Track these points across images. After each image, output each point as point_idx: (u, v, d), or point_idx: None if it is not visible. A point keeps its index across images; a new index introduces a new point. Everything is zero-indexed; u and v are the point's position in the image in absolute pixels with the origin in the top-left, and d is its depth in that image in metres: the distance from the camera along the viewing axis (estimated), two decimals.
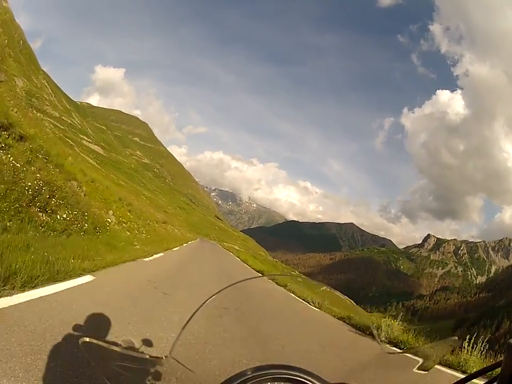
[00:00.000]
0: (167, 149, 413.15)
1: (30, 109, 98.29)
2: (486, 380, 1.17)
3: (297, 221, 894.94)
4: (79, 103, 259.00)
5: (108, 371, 1.18)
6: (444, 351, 1.33)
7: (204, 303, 1.30)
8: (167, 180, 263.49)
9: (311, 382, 1.20)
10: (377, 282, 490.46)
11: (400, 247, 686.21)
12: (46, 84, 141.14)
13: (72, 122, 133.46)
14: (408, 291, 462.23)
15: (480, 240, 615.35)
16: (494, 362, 1.20)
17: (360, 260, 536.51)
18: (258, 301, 11.49)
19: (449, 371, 6.88)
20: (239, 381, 1.18)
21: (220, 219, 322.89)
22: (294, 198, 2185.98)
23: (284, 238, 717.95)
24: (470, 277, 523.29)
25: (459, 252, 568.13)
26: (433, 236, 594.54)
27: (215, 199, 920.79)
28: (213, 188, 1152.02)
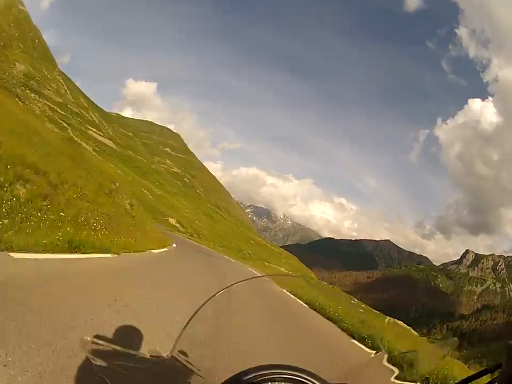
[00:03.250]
0: (202, 164, 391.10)
1: (22, 87, 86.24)
2: (486, 381, 1.13)
3: (333, 238, 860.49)
4: (108, 113, 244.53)
5: (109, 370, 1.06)
6: (444, 352, 1.25)
7: (205, 302, 1.25)
8: (197, 191, 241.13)
9: (311, 382, 1.15)
10: (417, 301, 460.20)
11: (435, 264, 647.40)
12: (62, 81, 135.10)
13: (79, 112, 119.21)
14: (449, 311, 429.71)
15: None
16: (493, 363, 1.13)
17: (398, 278, 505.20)
18: (261, 302, 10.50)
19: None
20: (240, 380, 1.15)
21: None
22: (330, 215, 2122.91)
23: (319, 255, 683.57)
24: (508, 293, 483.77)
25: (497, 267, 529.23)
26: (472, 251, 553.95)
27: (250, 216, 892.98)
28: (248, 204, 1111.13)
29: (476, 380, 1.22)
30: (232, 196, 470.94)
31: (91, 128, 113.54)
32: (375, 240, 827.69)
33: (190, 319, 1.24)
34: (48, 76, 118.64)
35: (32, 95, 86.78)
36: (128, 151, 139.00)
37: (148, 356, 1.21)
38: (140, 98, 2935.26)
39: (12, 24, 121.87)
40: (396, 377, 1.33)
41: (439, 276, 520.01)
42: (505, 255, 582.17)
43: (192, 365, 1.41)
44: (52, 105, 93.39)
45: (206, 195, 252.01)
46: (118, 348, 1.41)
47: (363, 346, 10.82)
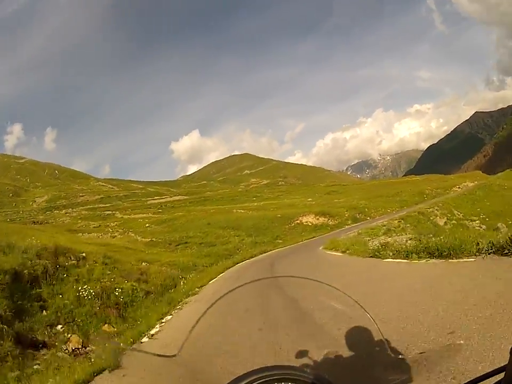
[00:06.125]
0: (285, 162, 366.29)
1: (47, 213, 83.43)
2: None
3: (432, 144, 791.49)
4: (174, 180, 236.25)
5: (116, 369, 0.88)
6: (445, 355, 1.25)
7: (215, 302, 1.22)
8: (297, 184, 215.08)
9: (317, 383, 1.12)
10: None
11: None
12: (103, 183, 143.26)
13: (131, 193, 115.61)
14: None
15: None
16: (497, 367, 1.08)
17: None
18: (270, 301, 9.33)
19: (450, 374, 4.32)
20: (246, 381, 1.10)
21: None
22: (415, 127, 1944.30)
23: (429, 164, 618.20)
24: None
25: None
26: None
27: (353, 175, 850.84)
28: (344, 169, 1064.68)
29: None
30: (329, 169, 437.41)
31: (151, 197, 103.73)
32: (466, 120, 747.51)
33: (198, 320, 1.20)
34: (83, 188, 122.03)
35: (63, 211, 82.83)
36: (208, 192, 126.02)
37: (155, 355, 1.17)
38: (192, 151, 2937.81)
39: (18, 176, 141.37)
40: (397, 376, 1.28)
41: None
42: None
43: (199, 365, 1.36)
44: (90, 206, 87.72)
45: (314, 184, 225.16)
46: (125, 346, 1.53)
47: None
